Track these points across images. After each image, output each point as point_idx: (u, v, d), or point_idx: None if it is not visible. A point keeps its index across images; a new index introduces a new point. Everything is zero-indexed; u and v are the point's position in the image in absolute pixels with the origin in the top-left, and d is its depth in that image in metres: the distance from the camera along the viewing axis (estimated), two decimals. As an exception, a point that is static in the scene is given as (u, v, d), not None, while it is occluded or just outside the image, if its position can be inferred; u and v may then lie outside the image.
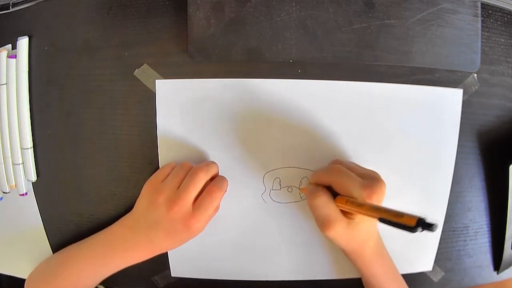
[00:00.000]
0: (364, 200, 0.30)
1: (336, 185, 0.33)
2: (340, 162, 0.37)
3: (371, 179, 0.32)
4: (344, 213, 0.33)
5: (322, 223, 0.33)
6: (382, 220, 0.28)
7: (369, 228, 0.35)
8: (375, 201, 0.30)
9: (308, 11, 0.37)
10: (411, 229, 0.26)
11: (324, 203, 0.33)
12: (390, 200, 0.41)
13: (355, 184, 0.31)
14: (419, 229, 0.26)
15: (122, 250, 0.37)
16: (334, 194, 0.34)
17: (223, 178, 0.38)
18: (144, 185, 0.38)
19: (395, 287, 0.38)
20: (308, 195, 0.35)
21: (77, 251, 0.40)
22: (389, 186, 0.40)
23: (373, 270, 0.37)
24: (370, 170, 0.34)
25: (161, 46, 0.39)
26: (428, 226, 0.25)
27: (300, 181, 0.40)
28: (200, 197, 0.35)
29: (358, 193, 0.31)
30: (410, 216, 0.26)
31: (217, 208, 0.38)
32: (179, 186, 0.35)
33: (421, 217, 0.26)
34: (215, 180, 0.37)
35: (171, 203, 0.34)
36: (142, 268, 0.43)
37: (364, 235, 0.35)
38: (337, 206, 0.33)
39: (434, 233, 0.42)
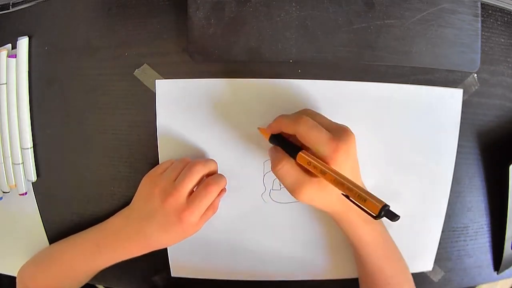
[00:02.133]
0: (328, 157, 0.29)
1: (301, 136, 0.31)
2: (308, 112, 0.34)
3: (338, 132, 0.30)
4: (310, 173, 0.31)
5: (292, 190, 0.32)
6: (345, 195, 0.27)
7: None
8: (342, 154, 0.29)
9: (308, 11, 0.37)
10: (372, 216, 0.25)
11: (287, 171, 0.31)
12: (390, 200, 0.41)
13: (321, 137, 0.30)
14: (381, 217, 0.25)
15: (114, 240, 0.37)
16: (288, 151, 0.32)
17: (220, 175, 0.38)
18: (143, 179, 0.38)
19: (383, 252, 0.36)
20: (272, 163, 0.33)
21: (71, 240, 0.40)
22: (389, 185, 0.41)
23: (360, 234, 0.35)
24: (339, 124, 0.32)
25: (161, 46, 0.39)
26: (390, 215, 0.25)
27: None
28: (196, 190, 0.35)
29: (324, 147, 0.29)
30: (374, 203, 0.25)
31: (214, 208, 0.38)
32: (176, 179, 0.35)
33: (385, 205, 0.25)
34: (212, 176, 0.37)
35: (166, 194, 0.34)
36: (142, 268, 0.43)
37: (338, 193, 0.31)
38: (298, 163, 0.31)
39: (434, 233, 0.42)
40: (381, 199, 0.26)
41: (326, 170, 0.29)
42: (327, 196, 0.32)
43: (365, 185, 0.36)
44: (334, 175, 0.28)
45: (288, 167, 0.32)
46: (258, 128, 0.37)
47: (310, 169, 0.30)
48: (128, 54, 0.39)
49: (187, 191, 0.35)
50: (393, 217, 0.25)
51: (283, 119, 0.33)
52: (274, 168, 0.32)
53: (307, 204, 0.33)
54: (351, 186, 0.27)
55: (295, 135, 0.32)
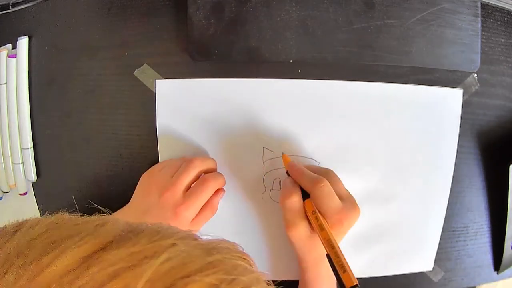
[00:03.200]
0: (330, 226, 0.31)
1: (315, 199, 0.33)
2: (329, 174, 0.35)
3: (349, 204, 0.33)
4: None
5: (287, 224, 0.34)
6: (328, 257, 0.29)
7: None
8: (344, 226, 0.32)
9: (308, 11, 0.37)
10: (343, 287, 0.27)
11: (294, 207, 0.33)
12: (390, 200, 0.41)
13: (333, 207, 0.32)
14: None
15: None
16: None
17: (219, 173, 0.38)
18: (142, 176, 0.38)
19: None
20: (282, 192, 0.35)
21: None
22: (389, 185, 0.41)
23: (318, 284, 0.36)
24: (349, 193, 0.35)
25: (161, 46, 0.39)
26: None
27: (300, 181, 0.40)
28: (193, 185, 0.35)
29: (332, 216, 0.32)
30: (350, 278, 0.27)
31: (213, 209, 0.37)
32: (173, 175, 0.35)
33: (357, 285, 0.27)
34: (211, 173, 0.37)
35: (163, 189, 0.34)
36: (142, 268, 0.43)
37: (319, 250, 0.34)
38: (304, 206, 0.33)
39: (434, 233, 0.42)
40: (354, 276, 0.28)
41: (325, 228, 0.31)
42: (312, 243, 0.34)
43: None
44: (330, 235, 0.30)
45: (299, 204, 0.33)
46: (282, 154, 0.38)
47: (309, 217, 0.32)
48: (128, 54, 0.39)
49: (183, 186, 0.34)
50: None
51: (304, 175, 0.34)
52: (283, 198, 0.34)
53: (293, 243, 0.35)
54: (339, 253, 0.29)
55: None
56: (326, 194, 0.32)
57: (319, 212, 0.32)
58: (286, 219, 0.34)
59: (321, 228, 0.31)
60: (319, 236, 0.31)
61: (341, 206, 0.32)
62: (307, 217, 0.34)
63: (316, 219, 0.32)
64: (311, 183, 0.33)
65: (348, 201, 0.33)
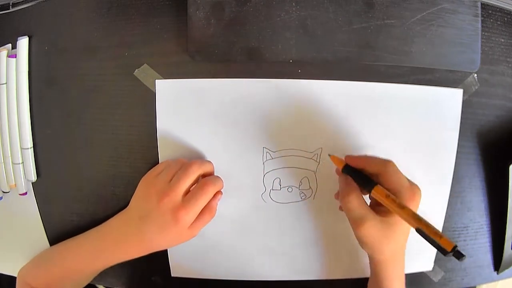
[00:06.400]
0: (406, 201, 0.31)
1: (386, 177, 0.33)
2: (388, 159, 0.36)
3: (414, 183, 0.33)
4: (376, 210, 0.33)
5: (355, 223, 0.33)
6: (419, 231, 0.29)
7: (403, 234, 0.34)
8: (414, 203, 0.32)
9: (308, 11, 0.37)
10: (444, 251, 0.27)
11: (357, 204, 0.33)
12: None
13: (404, 183, 0.32)
14: (451, 254, 0.27)
15: (113, 242, 0.37)
16: (362, 183, 0.34)
17: (217, 176, 0.38)
18: (140, 181, 0.38)
19: None
20: (342, 192, 0.34)
21: (71, 243, 0.40)
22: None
23: (391, 280, 0.36)
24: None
25: (161, 46, 0.39)
26: (458, 255, 0.27)
27: (300, 181, 0.40)
28: (192, 189, 0.35)
29: (405, 192, 0.32)
30: (448, 241, 0.28)
31: (212, 212, 0.37)
32: (172, 180, 0.35)
33: (456, 245, 0.27)
34: (209, 176, 0.37)
35: (162, 194, 0.34)
36: (142, 268, 0.43)
37: (398, 240, 0.34)
38: (374, 195, 0.32)
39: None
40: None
41: (405, 206, 0.30)
42: (385, 236, 0.33)
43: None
44: (412, 210, 0.30)
45: (358, 200, 0.33)
46: (329, 156, 0.37)
47: (386, 202, 0.32)
48: (128, 54, 0.39)
49: (182, 191, 0.35)
50: (461, 256, 0.27)
51: (372, 158, 0.35)
52: (344, 197, 0.33)
53: (365, 241, 0.34)
54: (428, 223, 0.29)
55: (370, 175, 0.34)
56: (397, 171, 0.33)
57: (391, 192, 0.32)
58: (352, 218, 0.33)
59: (401, 206, 0.30)
60: (400, 216, 0.30)
61: (410, 183, 0.33)
62: (375, 209, 0.33)
63: (393, 201, 0.31)
64: (381, 164, 0.33)
65: (411, 181, 0.33)
